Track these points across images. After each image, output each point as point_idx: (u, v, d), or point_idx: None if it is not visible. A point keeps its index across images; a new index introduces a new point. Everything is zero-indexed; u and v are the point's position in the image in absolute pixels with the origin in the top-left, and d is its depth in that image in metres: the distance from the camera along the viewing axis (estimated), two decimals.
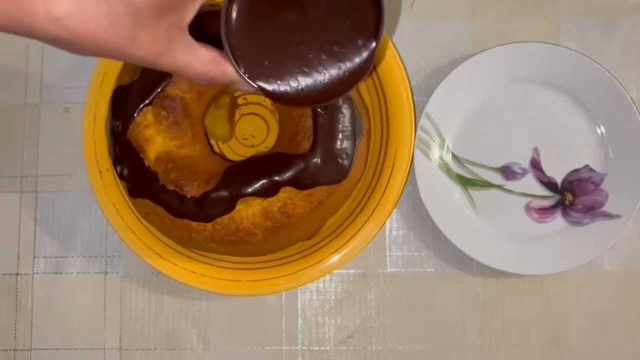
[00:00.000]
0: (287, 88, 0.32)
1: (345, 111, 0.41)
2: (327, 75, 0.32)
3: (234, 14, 0.31)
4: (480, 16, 0.49)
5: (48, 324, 0.48)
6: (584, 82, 0.46)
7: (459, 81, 0.46)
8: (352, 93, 0.43)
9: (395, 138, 0.45)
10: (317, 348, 0.47)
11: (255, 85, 0.32)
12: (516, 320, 0.47)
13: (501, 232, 0.46)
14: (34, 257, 0.48)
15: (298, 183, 0.40)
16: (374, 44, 0.32)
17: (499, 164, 0.47)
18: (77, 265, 0.48)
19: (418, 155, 0.46)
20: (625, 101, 0.45)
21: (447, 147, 0.47)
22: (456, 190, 0.47)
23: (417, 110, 0.46)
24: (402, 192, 0.45)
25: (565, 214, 0.46)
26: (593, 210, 0.46)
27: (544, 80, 0.47)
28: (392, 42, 0.45)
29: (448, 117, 0.47)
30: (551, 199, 0.47)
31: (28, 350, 0.48)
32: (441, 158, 0.47)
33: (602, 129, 0.46)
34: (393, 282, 0.48)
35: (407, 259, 0.48)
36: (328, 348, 0.47)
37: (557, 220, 0.46)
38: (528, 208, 0.47)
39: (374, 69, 0.45)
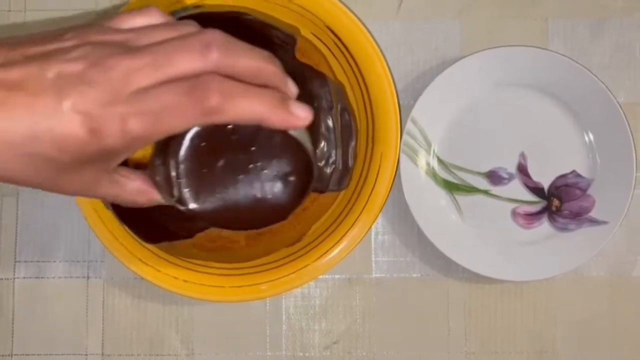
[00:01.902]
0: (214, 211, 0.35)
1: (333, 116, 0.41)
2: (253, 206, 0.35)
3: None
4: (468, 18, 0.48)
5: (29, 329, 0.47)
6: (573, 87, 0.45)
7: (446, 85, 0.46)
8: (337, 94, 0.43)
9: (381, 142, 0.44)
10: (301, 354, 0.47)
11: (183, 208, 0.34)
12: (502, 326, 0.47)
13: (487, 238, 0.46)
14: (15, 261, 0.48)
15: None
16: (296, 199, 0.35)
17: (486, 168, 0.47)
18: (59, 269, 0.48)
19: (404, 159, 0.45)
20: (614, 107, 0.44)
21: (434, 151, 0.47)
22: (442, 195, 0.47)
23: (404, 114, 0.45)
24: (387, 197, 0.44)
25: (551, 219, 0.46)
26: (580, 216, 0.46)
27: (531, 84, 0.46)
28: (378, 44, 0.45)
29: (435, 121, 0.46)
30: (538, 204, 0.46)
31: (9, 355, 0.47)
32: (427, 163, 0.47)
33: (590, 134, 0.46)
34: (378, 288, 0.47)
35: (393, 264, 0.47)
36: (313, 354, 0.47)
37: (544, 226, 0.46)
38: (514, 213, 0.46)
39: (360, 73, 0.44)
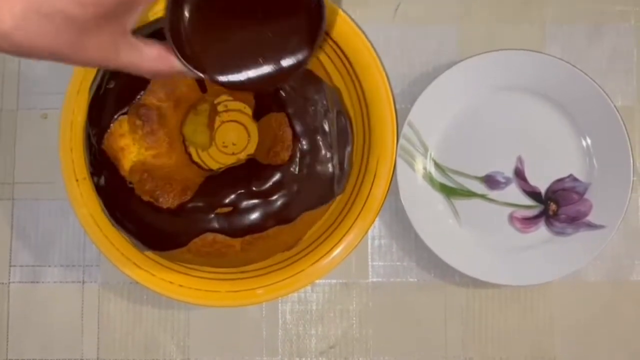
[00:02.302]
0: (232, 75, 0.33)
1: (330, 121, 0.41)
2: (267, 63, 0.34)
3: (182, 10, 0.33)
4: (465, 22, 0.48)
5: (25, 334, 0.47)
6: (570, 91, 0.45)
7: (443, 89, 0.45)
8: (333, 99, 0.42)
9: (377, 147, 0.44)
10: (297, 359, 0.47)
11: (201, 74, 0.33)
12: (499, 331, 0.47)
13: (484, 242, 0.46)
14: (10, 265, 0.47)
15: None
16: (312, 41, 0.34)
17: (483, 173, 0.46)
18: (54, 274, 0.47)
19: (400, 164, 0.45)
20: (611, 111, 0.44)
21: (430, 155, 0.46)
22: (439, 199, 0.46)
23: (400, 118, 0.45)
24: (384, 201, 0.44)
25: (548, 224, 0.46)
26: (577, 221, 0.46)
27: (528, 88, 0.46)
28: (375, 48, 0.45)
29: (431, 125, 0.46)
30: (535, 208, 0.46)
31: None
32: (424, 167, 0.46)
33: (587, 138, 0.46)
34: (375, 292, 0.47)
35: (390, 268, 0.47)
36: (309, 358, 0.47)
37: (541, 231, 0.46)
38: (511, 218, 0.46)
39: (356, 77, 0.44)
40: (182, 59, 0.32)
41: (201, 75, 0.33)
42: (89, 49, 0.28)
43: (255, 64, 0.33)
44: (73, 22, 0.26)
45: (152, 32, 0.37)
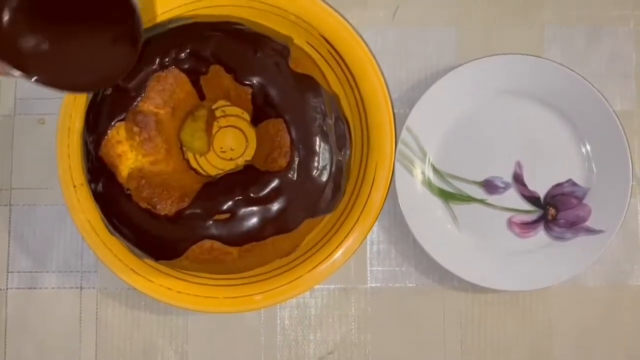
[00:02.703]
0: (53, 76, 0.33)
1: (329, 127, 0.40)
2: (84, 62, 0.33)
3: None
4: (464, 26, 0.48)
5: (23, 340, 0.47)
6: (569, 96, 0.45)
7: (442, 94, 0.45)
8: (331, 105, 0.42)
9: (376, 151, 0.44)
10: None
11: (18, 74, 0.32)
12: (498, 336, 0.46)
13: (483, 248, 0.46)
14: (8, 272, 0.47)
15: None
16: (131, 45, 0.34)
17: (481, 177, 0.46)
18: (52, 280, 0.47)
19: (399, 169, 0.45)
20: (610, 116, 0.44)
21: (429, 160, 0.46)
22: (438, 204, 0.46)
23: (399, 123, 0.45)
24: (382, 206, 0.44)
25: (547, 228, 0.46)
26: (576, 225, 0.45)
27: (527, 92, 0.46)
28: (372, 53, 0.44)
29: (430, 130, 0.46)
30: (534, 213, 0.46)
31: None
32: (422, 172, 0.46)
33: (586, 142, 0.46)
34: (374, 297, 0.47)
35: (388, 273, 0.47)
36: None
37: (540, 235, 0.46)
38: (510, 223, 0.46)
39: (354, 82, 0.44)
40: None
41: (18, 73, 0.32)
42: None
43: (76, 67, 0.33)
44: None
45: None
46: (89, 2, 0.32)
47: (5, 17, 0.31)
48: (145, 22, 0.44)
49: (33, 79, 0.32)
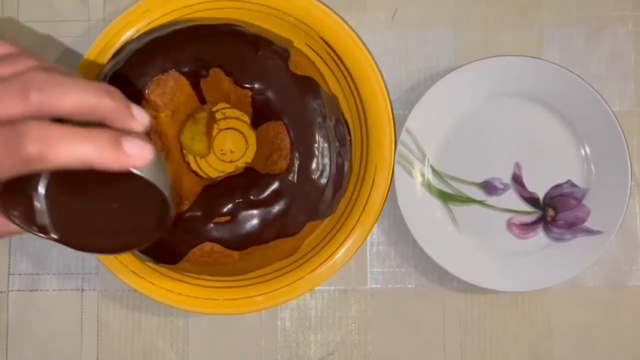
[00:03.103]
0: (75, 240, 0.34)
1: (328, 129, 0.41)
2: (113, 234, 0.34)
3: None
4: (463, 27, 0.48)
5: (24, 342, 0.47)
6: (568, 98, 0.45)
7: (441, 95, 0.45)
8: (331, 107, 0.42)
9: (375, 153, 0.44)
10: None
11: (44, 237, 0.33)
12: (497, 337, 0.47)
13: (482, 249, 0.46)
14: (9, 274, 0.47)
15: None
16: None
17: (481, 179, 0.46)
18: (53, 282, 0.47)
19: (398, 170, 0.45)
20: (609, 117, 0.44)
21: (428, 162, 0.46)
22: (437, 205, 0.46)
23: (398, 124, 0.45)
24: (382, 208, 0.44)
25: (547, 229, 0.46)
26: (575, 226, 0.46)
27: (526, 94, 0.46)
28: (372, 54, 0.45)
29: (429, 131, 0.46)
30: (533, 214, 0.46)
31: None
32: (422, 173, 0.46)
33: (585, 143, 0.46)
34: (374, 299, 0.47)
35: (388, 275, 0.47)
36: None
37: (539, 236, 0.46)
38: (509, 224, 0.46)
39: (354, 84, 0.44)
40: (20, 224, 0.32)
41: (42, 236, 0.33)
42: None
43: (98, 235, 0.34)
44: None
45: None
46: (122, 187, 0.33)
47: (38, 199, 0.33)
48: (145, 25, 0.44)
49: (53, 239, 0.34)
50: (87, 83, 0.27)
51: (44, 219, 0.33)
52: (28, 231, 0.32)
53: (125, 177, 0.29)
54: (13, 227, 0.32)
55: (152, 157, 0.28)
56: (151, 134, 0.40)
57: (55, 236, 0.33)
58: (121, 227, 0.34)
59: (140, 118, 0.29)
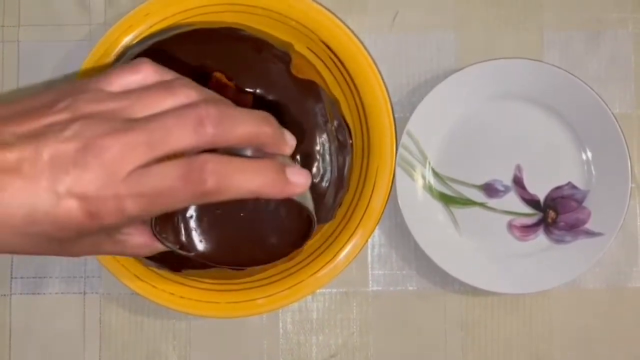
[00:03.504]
0: (213, 254, 0.36)
1: (330, 132, 0.41)
2: (252, 250, 0.36)
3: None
4: (463, 29, 0.48)
5: (27, 345, 0.47)
6: (568, 99, 0.45)
7: (442, 97, 0.45)
8: (332, 111, 0.42)
9: (376, 156, 0.44)
10: None
11: (185, 253, 0.35)
12: (499, 339, 0.47)
13: (483, 251, 0.46)
14: (12, 277, 0.48)
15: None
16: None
17: (481, 181, 0.47)
18: (55, 285, 0.47)
19: (400, 173, 0.45)
20: (609, 118, 0.44)
21: (429, 164, 0.47)
22: (438, 208, 0.47)
23: (399, 127, 0.46)
24: (383, 211, 0.44)
25: (547, 231, 0.46)
26: (575, 228, 0.46)
27: (526, 96, 0.46)
28: (372, 57, 0.45)
29: (430, 134, 0.46)
30: (533, 216, 0.46)
31: None
32: (423, 176, 0.46)
33: (585, 146, 0.46)
34: (375, 301, 0.47)
35: (390, 277, 0.47)
36: None
37: (540, 238, 0.46)
38: (510, 226, 0.46)
39: (355, 87, 0.44)
40: (169, 245, 0.33)
41: (184, 253, 0.35)
42: (71, 251, 0.29)
43: (237, 251, 0.36)
44: (54, 239, 0.27)
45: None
46: (273, 213, 0.35)
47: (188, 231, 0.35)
48: (147, 29, 0.44)
49: (197, 256, 0.35)
50: (250, 113, 0.28)
51: (193, 240, 0.35)
52: (173, 249, 0.34)
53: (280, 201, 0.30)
54: (160, 246, 0.33)
55: (310, 182, 0.29)
56: None
57: (197, 251, 0.35)
58: (262, 243, 0.36)
59: (290, 142, 0.30)
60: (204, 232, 0.35)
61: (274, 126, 0.29)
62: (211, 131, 0.26)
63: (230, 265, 0.36)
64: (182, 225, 0.35)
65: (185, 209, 0.35)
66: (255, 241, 0.36)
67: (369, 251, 0.47)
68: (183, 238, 0.34)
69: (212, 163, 0.26)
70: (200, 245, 0.35)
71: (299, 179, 0.28)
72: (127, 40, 0.44)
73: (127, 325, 0.47)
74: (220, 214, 0.35)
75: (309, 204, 0.32)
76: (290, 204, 0.32)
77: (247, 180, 0.27)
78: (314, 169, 0.40)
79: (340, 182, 0.42)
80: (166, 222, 0.34)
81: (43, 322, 0.47)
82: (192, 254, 0.35)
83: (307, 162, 0.40)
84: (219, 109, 0.27)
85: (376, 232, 0.47)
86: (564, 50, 0.48)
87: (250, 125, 0.28)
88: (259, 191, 0.27)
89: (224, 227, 0.35)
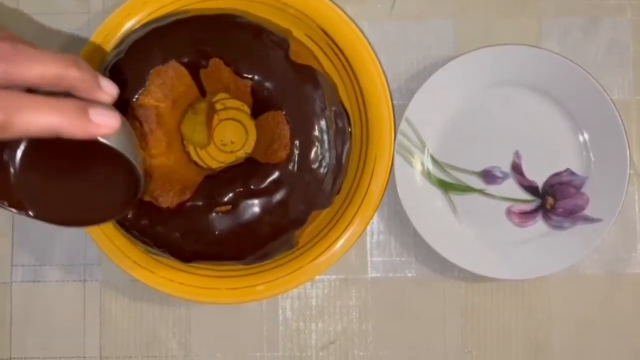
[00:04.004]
0: (45, 213, 0.35)
1: (328, 119, 0.41)
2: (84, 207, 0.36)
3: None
4: (462, 17, 0.48)
5: (27, 333, 0.47)
6: (566, 86, 0.45)
7: (440, 84, 0.46)
8: (331, 97, 0.43)
9: (375, 143, 0.44)
10: (298, 354, 0.47)
11: (13, 210, 0.34)
12: (498, 325, 0.47)
13: (482, 237, 0.46)
14: (12, 265, 0.48)
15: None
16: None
17: (480, 167, 0.47)
18: (55, 273, 0.48)
19: (398, 160, 0.45)
20: (607, 105, 0.44)
21: (428, 151, 0.47)
22: (437, 195, 0.47)
23: (398, 114, 0.46)
24: (382, 198, 0.44)
25: (546, 217, 0.46)
26: (574, 214, 0.46)
27: (525, 83, 0.46)
28: (371, 44, 0.45)
29: (429, 121, 0.46)
30: (532, 202, 0.46)
31: (8, 359, 0.47)
32: (422, 163, 0.47)
33: (584, 132, 0.46)
34: (374, 288, 0.47)
35: (388, 264, 0.47)
36: (310, 354, 0.47)
37: (538, 225, 0.46)
38: (509, 212, 0.46)
39: (353, 74, 0.44)
40: None
41: (13, 211, 0.34)
42: None
43: (70, 208, 0.35)
44: None
45: None
46: (91, 162, 0.34)
47: (12, 165, 0.34)
48: (145, 16, 0.44)
49: (28, 215, 0.35)
50: (54, 54, 0.28)
51: (18, 193, 0.33)
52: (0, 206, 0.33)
53: (94, 148, 0.29)
54: None
55: (118, 125, 0.29)
56: (152, 124, 0.40)
57: (30, 211, 0.34)
58: (93, 200, 0.35)
59: (107, 89, 0.29)
60: (32, 188, 0.34)
61: (83, 70, 0.28)
62: (1, 68, 0.26)
63: (60, 224, 0.36)
64: (8, 180, 0.33)
65: (10, 162, 0.34)
66: (84, 198, 0.35)
67: (368, 238, 0.47)
68: (9, 193, 0.33)
69: (0, 97, 0.25)
70: (30, 202, 0.34)
71: (103, 119, 0.28)
72: (126, 27, 0.44)
73: (127, 312, 0.47)
74: (49, 168, 0.34)
75: (131, 155, 0.31)
76: (112, 155, 0.31)
77: (41, 116, 0.26)
78: (312, 155, 0.40)
79: (339, 168, 0.42)
80: None
81: (43, 310, 0.48)
82: (17, 211, 0.34)
83: (305, 148, 0.40)
84: (14, 46, 0.26)
85: (375, 219, 0.47)
86: (562, 37, 0.48)
87: (52, 66, 0.27)
88: (57, 129, 0.27)
89: (52, 182, 0.34)
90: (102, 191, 0.35)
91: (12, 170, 0.34)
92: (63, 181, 0.35)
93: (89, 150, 0.30)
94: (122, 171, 0.33)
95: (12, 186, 0.34)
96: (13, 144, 0.34)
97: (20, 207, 0.34)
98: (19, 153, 0.33)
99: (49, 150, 0.33)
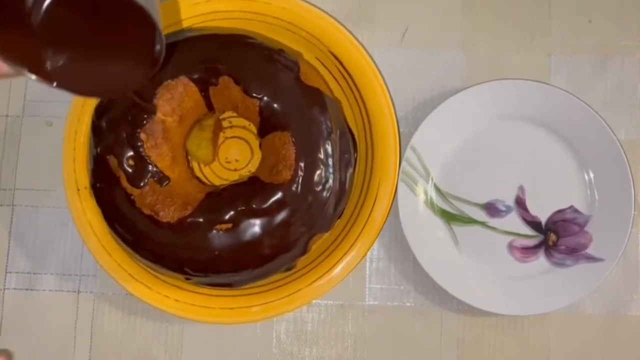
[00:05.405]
0: (69, 81, 0.33)
1: (333, 142, 0.41)
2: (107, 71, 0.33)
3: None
4: (471, 49, 0.49)
5: (17, 341, 0.47)
6: (573, 123, 0.45)
7: (447, 115, 0.46)
8: (338, 121, 0.43)
9: (380, 169, 0.44)
10: None
11: (31, 76, 0.32)
12: (495, 359, 0.46)
13: (483, 270, 0.46)
14: (6, 272, 0.47)
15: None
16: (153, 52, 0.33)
17: (484, 200, 0.46)
18: (50, 282, 0.47)
19: (402, 187, 0.45)
20: (614, 144, 0.44)
21: (432, 180, 0.46)
22: (439, 225, 0.46)
23: (403, 142, 0.46)
24: (384, 224, 0.44)
25: (548, 254, 0.46)
26: (576, 252, 0.45)
27: (532, 118, 0.46)
28: (381, 72, 0.45)
29: (434, 150, 0.46)
30: (534, 238, 0.46)
31: None
32: (425, 192, 0.46)
33: (589, 170, 0.46)
34: (371, 315, 0.47)
35: (387, 292, 0.47)
36: None
37: (540, 261, 0.46)
38: (511, 247, 0.46)
39: (361, 100, 0.44)
40: (15, 63, 0.30)
41: (32, 78, 0.31)
42: None
43: (94, 75, 0.33)
44: None
45: None
46: (114, 21, 0.33)
47: (34, 23, 0.32)
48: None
49: (53, 85, 0.32)
50: None
51: (41, 56, 0.31)
52: (21, 73, 0.31)
53: (116, 7, 0.29)
54: (4, 68, 0.31)
55: None
56: (158, 138, 0.40)
57: (52, 75, 0.32)
58: (116, 67, 0.33)
59: None
60: (55, 52, 0.32)
61: None
62: None
63: (83, 94, 0.34)
64: (30, 41, 0.32)
65: (31, 18, 0.32)
66: (109, 64, 0.33)
67: (367, 264, 0.47)
68: (30, 57, 0.31)
69: None
70: (52, 66, 0.32)
71: None
72: None
73: (119, 325, 0.47)
74: (73, 33, 0.32)
75: (154, 12, 0.30)
76: (133, 10, 0.30)
77: None
78: (316, 177, 0.40)
79: (342, 192, 0.42)
80: (10, 37, 0.31)
81: (35, 319, 0.47)
82: (37, 76, 0.31)
83: (310, 170, 0.40)
84: None
85: (375, 245, 0.47)
86: (570, 74, 0.48)
87: None
88: None
89: (75, 47, 0.32)
90: (124, 57, 0.33)
91: (34, 25, 0.32)
92: (85, 47, 0.33)
93: (111, 12, 0.29)
94: (144, 34, 0.31)
95: (33, 49, 0.32)
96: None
97: (43, 75, 0.32)
98: (39, 10, 0.32)
99: (71, 10, 0.31)
